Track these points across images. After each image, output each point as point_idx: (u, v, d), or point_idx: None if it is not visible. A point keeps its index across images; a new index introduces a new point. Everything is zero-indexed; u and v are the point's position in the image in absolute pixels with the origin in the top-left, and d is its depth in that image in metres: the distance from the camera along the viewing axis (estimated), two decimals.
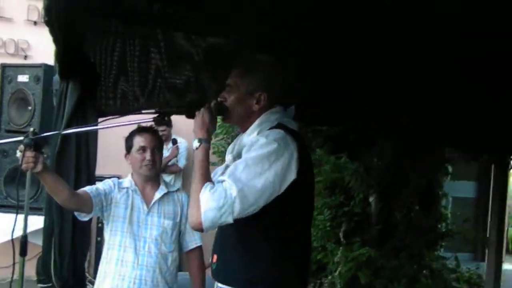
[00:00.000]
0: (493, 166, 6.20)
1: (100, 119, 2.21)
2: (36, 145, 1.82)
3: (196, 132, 1.74)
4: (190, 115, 1.86)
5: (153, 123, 1.89)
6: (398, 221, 4.43)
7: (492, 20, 2.11)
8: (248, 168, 1.59)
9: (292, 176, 1.63)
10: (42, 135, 1.88)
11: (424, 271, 4.11)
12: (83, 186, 2.31)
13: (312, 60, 2.87)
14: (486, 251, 5.74)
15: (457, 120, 3.17)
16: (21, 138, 1.85)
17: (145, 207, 2.30)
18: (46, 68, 4.30)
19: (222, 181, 1.59)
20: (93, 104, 2.50)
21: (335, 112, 3.01)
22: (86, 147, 2.44)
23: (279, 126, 1.73)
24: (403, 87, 2.99)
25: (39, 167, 1.84)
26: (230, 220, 1.56)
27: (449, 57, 2.49)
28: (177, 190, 2.43)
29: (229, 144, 4.85)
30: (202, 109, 1.74)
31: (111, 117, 2.06)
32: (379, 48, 2.72)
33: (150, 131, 2.33)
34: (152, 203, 2.32)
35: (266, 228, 1.67)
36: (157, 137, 2.35)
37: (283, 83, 1.82)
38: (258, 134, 1.71)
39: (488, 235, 3.53)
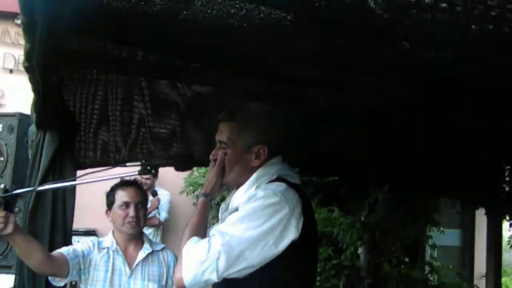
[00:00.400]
0: (476, 214, 6.19)
1: (78, 172, 2.04)
2: (7, 203, 1.63)
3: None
4: (179, 168, 1.73)
5: (137, 176, 1.75)
6: (388, 273, 4.28)
7: None
8: (239, 222, 1.43)
9: (292, 234, 1.45)
10: (14, 192, 1.69)
11: None
12: (58, 246, 2.11)
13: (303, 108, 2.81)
14: None
15: (452, 170, 3.12)
16: None
17: (127, 269, 2.10)
18: (21, 117, 4.10)
19: (212, 236, 1.43)
20: (71, 156, 2.33)
21: (327, 161, 2.91)
22: (63, 203, 2.24)
23: (279, 179, 1.56)
24: (398, 135, 2.94)
25: (10, 228, 1.65)
26: (214, 278, 1.38)
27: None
28: (163, 248, 2.24)
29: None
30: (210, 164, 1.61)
31: (91, 170, 1.87)
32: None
33: (134, 185, 2.16)
34: (135, 264, 2.11)
35: None
36: (141, 192, 2.18)
37: (281, 133, 1.67)
38: (256, 189, 1.54)
39: None
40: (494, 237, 3.30)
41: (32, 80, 1.52)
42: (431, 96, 2.72)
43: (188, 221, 1.54)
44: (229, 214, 1.60)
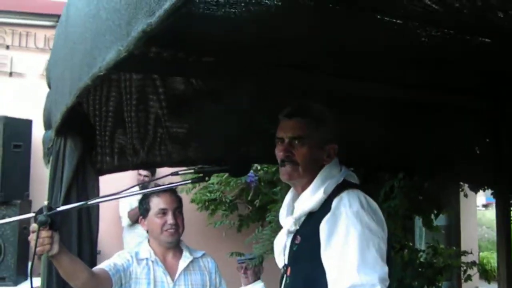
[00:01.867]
0: (461, 195, 6.32)
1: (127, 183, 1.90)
2: (52, 222, 1.49)
3: None
4: (236, 174, 1.64)
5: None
6: (392, 258, 4.29)
7: None
8: (363, 255, 1.39)
9: (384, 243, 1.48)
10: (60, 209, 1.54)
11: None
12: (86, 258, 1.98)
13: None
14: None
15: (462, 154, 3.15)
16: (31, 214, 1.50)
17: (169, 280, 1.98)
18: (7, 120, 3.90)
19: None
20: (92, 163, 2.20)
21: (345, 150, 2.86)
22: (87, 214, 2.11)
23: (345, 183, 1.55)
24: (412, 122, 2.93)
25: (56, 249, 1.51)
26: None
27: None
28: (203, 255, 2.13)
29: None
30: None
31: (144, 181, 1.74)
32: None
33: (169, 190, 2.04)
34: (177, 274, 2.00)
35: None
36: (177, 197, 2.06)
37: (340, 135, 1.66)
38: (324, 192, 1.51)
39: (497, 270, 3.42)
40: (502, 217, 3.33)
41: (85, 87, 1.38)
42: (443, 80, 2.73)
43: None
44: (296, 220, 1.57)
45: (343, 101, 2.82)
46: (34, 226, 1.46)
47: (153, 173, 4.48)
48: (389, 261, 1.53)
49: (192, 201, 4.64)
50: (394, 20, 1.84)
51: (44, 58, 4.21)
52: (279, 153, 1.59)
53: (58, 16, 1.92)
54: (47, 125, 2.17)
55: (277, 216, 3.94)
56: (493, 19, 1.72)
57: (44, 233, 1.47)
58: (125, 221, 4.83)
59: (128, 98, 2.41)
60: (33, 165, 4.51)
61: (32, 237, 1.46)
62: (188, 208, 4.78)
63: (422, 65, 2.39)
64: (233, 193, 4.41)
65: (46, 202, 1.50)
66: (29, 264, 1.59)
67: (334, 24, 1.87)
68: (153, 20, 0.89)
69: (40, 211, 1.47)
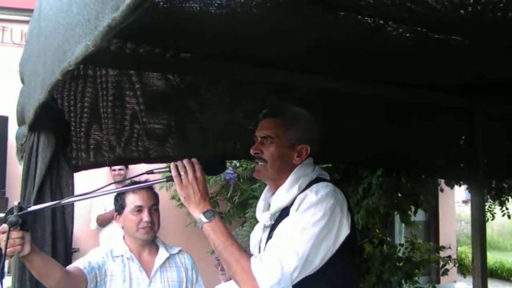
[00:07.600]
0: (439, 190, 6.42)
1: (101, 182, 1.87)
2: (23, 222, 1.45)
3: (196, 204, 1.50)
4: (211, 172, 1.66)
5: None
6: (371, 254, 4.33)
7: None
8: (303, 233, 1.43)
9: (345, 231, 1.51)
10: (31, 209, 1.51)
11: None
12: (60, 257, 1.95)
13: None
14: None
15: (438, 150, 3.19)
16: (1, 214, 1.46)
17: (145, 277, 1.96)
18: None
19: (275, 249, 1.43)
20: (67, 159, 2.17)
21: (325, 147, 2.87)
22: (62, 211, 2.08)
23: (318, 179, 1.60)
24: (390, 120, 2.95)
25: (27, 250, 1.47)
26: None
27: None
28: (179, 251, 2.12)
29: None
30: (189, 174, 1.51)
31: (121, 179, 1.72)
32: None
33: (145, 187, 2.02)
34: (153, 271, 1.99)
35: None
36: (153, 194, 2.05)
37: (317, 136, 1.71)
38: (298, 189, 1.56)
39: (471, 264, 3.48)
40: (476, 212, 3.38)
41: (59, 80, 1.35)
42: (420, 78, 2.77)
43: (224, 244, 1.47)
44: (272, 215, 1.61)
45: (322, 98, 2.84)
46: (4, 226, 1.43)
47: (126, 167, 4.45)
48: (353, 252, 1.61)
49: (173, 197, 4.62)
50: (370, 19, 1.85)
51: (21, 53, 4.14)
52: (251, 151, 1.65)
53: None
54: (21, 120, 2.14)
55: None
56: (468, 19, 1.75)
57: (15, 234, 1.43)
58: (93, 224, 4.85)
59: (104, 94, 2.39)
60: (9, 162, 4.44)
61: (2, 238, 1.43)
62: (169, 205, 4.78)
63: (400, 64, 2.42)
64: (213, 190, 4.40)
65: (16, 202, 1.46)
66: (5, 264, 1.55)
67: (310, 21, 1.88)
68: (117, 14, 0.89)
69: (10, 211, 1.44)
